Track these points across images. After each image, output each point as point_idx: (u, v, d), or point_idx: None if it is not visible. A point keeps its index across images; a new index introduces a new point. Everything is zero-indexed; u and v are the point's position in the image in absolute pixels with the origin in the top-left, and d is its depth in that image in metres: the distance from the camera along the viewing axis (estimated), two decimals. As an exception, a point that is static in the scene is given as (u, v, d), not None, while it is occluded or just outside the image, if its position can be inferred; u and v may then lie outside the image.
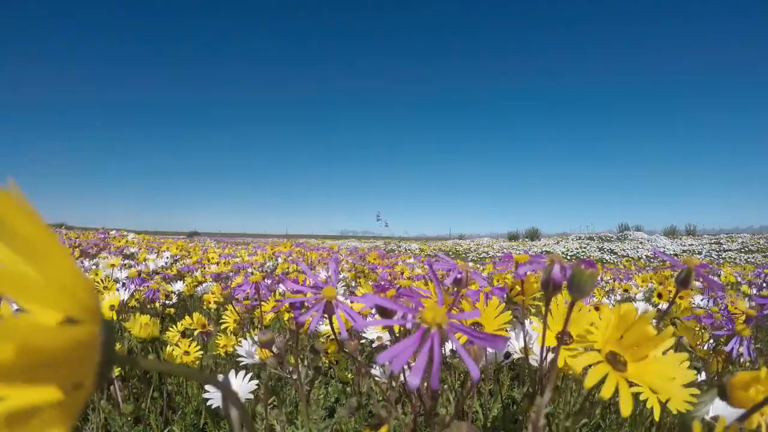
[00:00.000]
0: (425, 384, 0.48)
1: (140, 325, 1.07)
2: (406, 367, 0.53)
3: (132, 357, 0.21)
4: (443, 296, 0.33)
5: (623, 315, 0.37)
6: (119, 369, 1.17)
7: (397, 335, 0.54)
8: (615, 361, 0.36)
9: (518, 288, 0.58)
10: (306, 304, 0.57)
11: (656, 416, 0.38)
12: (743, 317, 0.84)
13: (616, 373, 0.35)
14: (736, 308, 0.89)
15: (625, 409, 0.31)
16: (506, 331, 0.60)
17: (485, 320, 0.55)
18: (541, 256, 0.46)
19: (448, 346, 0.85)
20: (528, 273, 0.55)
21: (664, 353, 0.37)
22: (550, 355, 0.50)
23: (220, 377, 0.22)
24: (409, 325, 0.31)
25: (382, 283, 0.49)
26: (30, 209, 0.15)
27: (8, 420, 0.13)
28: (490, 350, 0.76)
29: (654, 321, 0.41)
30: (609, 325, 0.38)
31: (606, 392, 0.32)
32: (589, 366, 0.35)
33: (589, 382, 0.33)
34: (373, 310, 0.42)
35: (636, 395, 0.49)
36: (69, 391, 0.16)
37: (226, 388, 0.22)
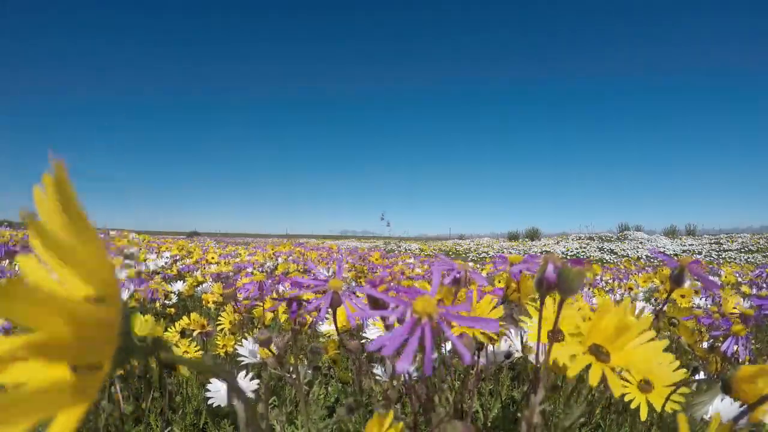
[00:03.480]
0: (425, 386, 0.49)
1: (141, 324, 1.08)
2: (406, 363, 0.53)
3: (149, 346, 0.21)
4: (438, 290, 0.34)
5: (601, 307, 0.38)
6: (121, 369, 1.17)
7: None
8: (598, 352, 0.37)
9: (514, 286, 0.59)
10: (304, 304, 0.57)
11: (642, 416, 0.38)
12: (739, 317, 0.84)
13: (600, 363, 0.36)
14: (734, 308, 0.90)
15: (617, 391, 0.32)
16: (502, 328, 0.60)
17: (476, 315, 0.55)
18: (537, 256, 0.47)
19: (448, 346, 0.86)
20: (523, 272, 0.56)
21: (643, 343, 0.39)
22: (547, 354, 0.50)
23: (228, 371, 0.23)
24: (408, 317, 0.32)
25: (374, 278, 0.49)
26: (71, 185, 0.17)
27: (26, 400, 0.14)
28: (491, 350, 0.76)
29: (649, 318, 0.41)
30: (590, 319, 0.39)
31: (593, 379, 0.33)
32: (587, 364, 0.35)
33: (573, 371, 0.34)
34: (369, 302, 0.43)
35: (627, 396, 0.49)
36: (86, 372, 0.17)
37: (232, 382, 0.22)
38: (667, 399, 0.39)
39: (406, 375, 0.51)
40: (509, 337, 0.78)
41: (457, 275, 0.45)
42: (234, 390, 0.22)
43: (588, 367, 0.35)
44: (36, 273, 0.21)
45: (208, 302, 1.61)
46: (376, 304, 0.37)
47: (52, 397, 0.15)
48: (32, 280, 0.20)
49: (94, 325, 0.16)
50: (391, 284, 0.52)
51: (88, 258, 0.17)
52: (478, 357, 0.62)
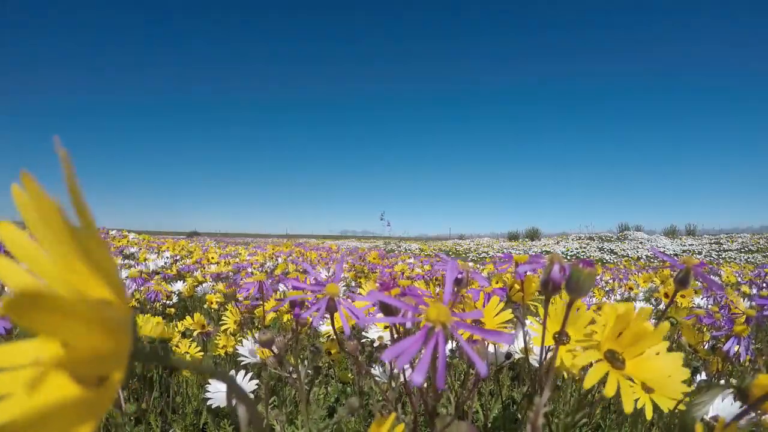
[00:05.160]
0: (425, 384, 0.49)
1: (152, 326, 1.08)
2: (407, 366, 0.53)
3: (158, 353, 0.21)
4: (450, 296, 0.33)
5: (621, 313, 0.37)
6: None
7: (399, 335, 0.54)
8: (614, 358, 0.37)
9: (517, 287, 0.58)
10: (306, 303, 0.57)
11: (648, 415, 0.38)
12: (743, 317, 0.84)
13: (616, 371, 0.35)
14: (736, 308, 0.89)
15: (628, 406, 0.31)
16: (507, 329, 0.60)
17: (485, 319, 0.55)
18: (541, 256, 0.47)
19: (448, 345, 0.86)
20: (528, 273, 0.55)
21: (659, 353, 0.38)
22: (550, 355, 0.50)
23: (232, 373, 0.22)
24: (408, 324, 0.31)
25: (387, 280, 0.49)
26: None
27: (33, 420, 0.13)
28: (491, 350, 0.76)
29: (653, 320, 0.41)
30: (607, 324, 0.38)
31: (609, 391, 0.32)
32: (589, 365, 0.35)
33: (590, 381, 0.33)
34: (377, 308, 0.42)
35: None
36: (95, 385, 0.16)
37: (232, 384, 0.22)
38: (679, 403, 0.39)
39: (406, 376, 0.51)
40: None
41: (459, 276, 0.45)
42: (235, 391, 0.22)
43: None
44: (18, 276, 0.19)
45: (213, 303, 1.60)
46: (387, 310, 0.37)
47: (60, 417, 0.13)
48: (52, 284, 0.18)
49: (113, 331, 0.15)
50: (394, 285, 0.51)
51: (100, 258, 0.16)
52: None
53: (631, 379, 0.36)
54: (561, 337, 0.38)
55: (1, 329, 0.93)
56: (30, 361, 0.18)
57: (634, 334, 0.37)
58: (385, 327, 0.96)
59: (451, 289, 0.32)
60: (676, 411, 0.47)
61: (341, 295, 0.46)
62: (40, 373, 0.15)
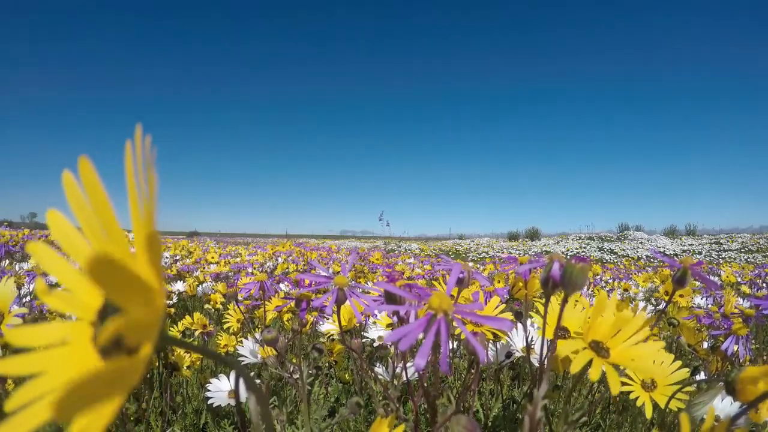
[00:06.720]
0: (425, 383, 0.49)
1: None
2: (410, 363, 0.53)
3: (182, 339, 0.21)
4: (453, 288, 0.34)
5: (598, 303, 0.39)
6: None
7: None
8: (598, 348, 0.38)
9: (520, 285, 0.59)
10: (311, 303, 0.57)
11: (648, 414, 0.38)
12: (739, 317, 0.84)
13: (600, 359, 0.36)
14: (735, 308, 0.90)
15: (615, 388, 0.32)
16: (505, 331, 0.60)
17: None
18: (542, 256, 0.47)
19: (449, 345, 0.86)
20: (530, 271, 0.56)
21: (645, 340, 0.39)
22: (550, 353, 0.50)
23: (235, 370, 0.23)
24: (412, 316, 0.31)
25: (392, 272, 0.49)
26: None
27: (71, 390, 0.14)
28: (492, 350, 0.76)
29: (648, 315, 0.42)
30: (590, 316, 0.39)
31: (593, 375, 0.33)
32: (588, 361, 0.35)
33: (575, 367, 0.34)
34: (383, 298, 0.43)
35: (631, 395, 0.50)
36: (124, 355, 0.17)
37: (245, 375, 0.22)
38: (671, 397, 0.40)
39: (408, 374, 0.51)
40: (509, 337, 0.79)
41: (460, 275, 0.46)
42: (245, 381, 0.22)
43: (589, 363, 0.35)
44: (58, 264, 0.20)
45: (216, 303, 1.61)
46: (392, 299, 0.38)
47: (89, 389, 0.14)
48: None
49: (160, 305, 0.16)
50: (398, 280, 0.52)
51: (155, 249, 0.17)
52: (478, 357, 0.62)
53: (623, 372, 0.36)
54: (559, 332, 0.39)
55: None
56: (58, 341, 0.19)
57: (614, 324, 0.39)
58: (387, 326, 0.96)
59: (453, 283, 0.33)
60: (677, 410, 0.48)
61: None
62: (71, 350, 0.16)
